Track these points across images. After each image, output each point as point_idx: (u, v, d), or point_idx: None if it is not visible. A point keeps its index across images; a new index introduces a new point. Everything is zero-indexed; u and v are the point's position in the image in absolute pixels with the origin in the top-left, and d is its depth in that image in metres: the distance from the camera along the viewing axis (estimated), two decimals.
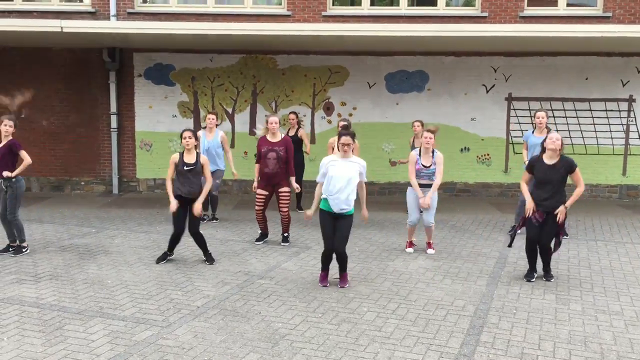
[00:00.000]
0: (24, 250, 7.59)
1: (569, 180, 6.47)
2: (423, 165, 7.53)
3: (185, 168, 7.01)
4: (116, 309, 5.61)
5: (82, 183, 12.82)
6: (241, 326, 5.21)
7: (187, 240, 7.97)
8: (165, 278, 6.61)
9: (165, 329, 5.14)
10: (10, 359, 4.52)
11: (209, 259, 7.27)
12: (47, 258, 7.42)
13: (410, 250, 7.91)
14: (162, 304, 5.78)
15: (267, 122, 8.06)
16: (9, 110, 6.87)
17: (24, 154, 7.43)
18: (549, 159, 6.42)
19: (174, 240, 7.26)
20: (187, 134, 7.06)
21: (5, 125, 7.35)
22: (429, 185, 7.60)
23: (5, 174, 7.24)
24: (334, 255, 6.28)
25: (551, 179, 6.37)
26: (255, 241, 8.28)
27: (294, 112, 10.67)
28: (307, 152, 10.58)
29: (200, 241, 7.26)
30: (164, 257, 7.27)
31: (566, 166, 6.39)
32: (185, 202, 7.10)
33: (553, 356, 4.68)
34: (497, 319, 5.46)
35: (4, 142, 7.39)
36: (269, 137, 8.03)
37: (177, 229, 7.14)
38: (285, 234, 8.24)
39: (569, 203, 6.44)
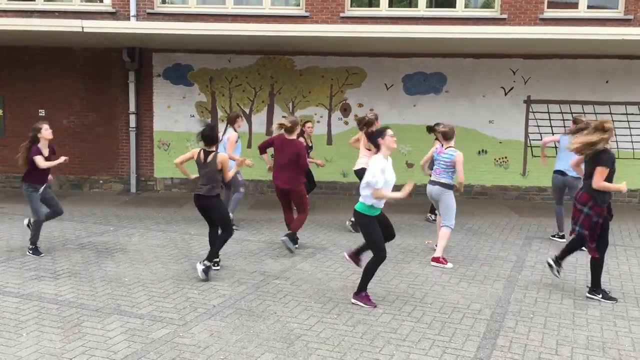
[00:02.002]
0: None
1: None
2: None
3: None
4: (133, 307, 5.66)
5: (101, 181, 12.95)
6: (257, 326, 5.23)
7: (204, 240, 8.02)
8: (181, 277, 6.65)
9: (182, 327, 5.18)
10: (29, 354, 4.58)
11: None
12: (65, 255, 7.51)
13: (450, 265, 7.23)
14: (178, 302, 5.82)
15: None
16: None
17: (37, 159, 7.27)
18: None
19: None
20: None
21: (47, 130, 7.32)
22: (446, 185, 7.59)
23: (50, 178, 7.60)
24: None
25: None
26: (295, 247, 7.81)
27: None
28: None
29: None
30: (208, 269, 6.58)
31: None
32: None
33: None
34: (514, 323, 5.42)
35: (48, 148, 7.42)
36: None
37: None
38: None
39: None
